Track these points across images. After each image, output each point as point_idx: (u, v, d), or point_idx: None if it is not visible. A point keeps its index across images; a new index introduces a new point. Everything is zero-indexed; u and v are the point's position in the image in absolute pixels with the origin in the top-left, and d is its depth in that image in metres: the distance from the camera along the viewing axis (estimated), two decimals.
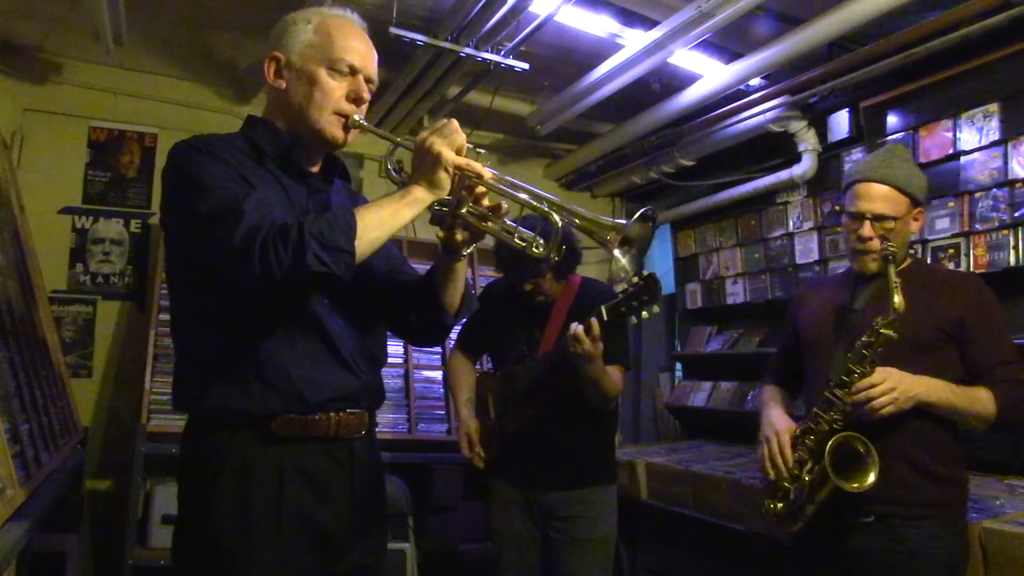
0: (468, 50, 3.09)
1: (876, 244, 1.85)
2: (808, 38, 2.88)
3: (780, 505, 1.88)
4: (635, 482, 3.18)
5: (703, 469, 2.98)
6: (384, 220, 1.31)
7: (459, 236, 1.42)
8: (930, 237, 2.93)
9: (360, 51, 1.45)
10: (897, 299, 1.71)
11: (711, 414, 3.94)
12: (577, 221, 1.35)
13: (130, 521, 3.04)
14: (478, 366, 2.81)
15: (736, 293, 4.05)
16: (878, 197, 1.85)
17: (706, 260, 4.26)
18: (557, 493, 2.38)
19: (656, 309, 2.04)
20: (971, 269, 2.77)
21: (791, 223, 3.69)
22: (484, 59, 3.15)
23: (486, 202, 1.40)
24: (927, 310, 1.81)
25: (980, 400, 1.75)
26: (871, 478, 1.71)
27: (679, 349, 4.48)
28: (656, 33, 2.98)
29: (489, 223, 1.40)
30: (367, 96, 1.46)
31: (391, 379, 3.75)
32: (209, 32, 3.50)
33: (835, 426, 1.80)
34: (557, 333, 2.39)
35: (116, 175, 3.81)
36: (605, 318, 2.10)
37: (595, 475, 2.42)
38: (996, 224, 2.71)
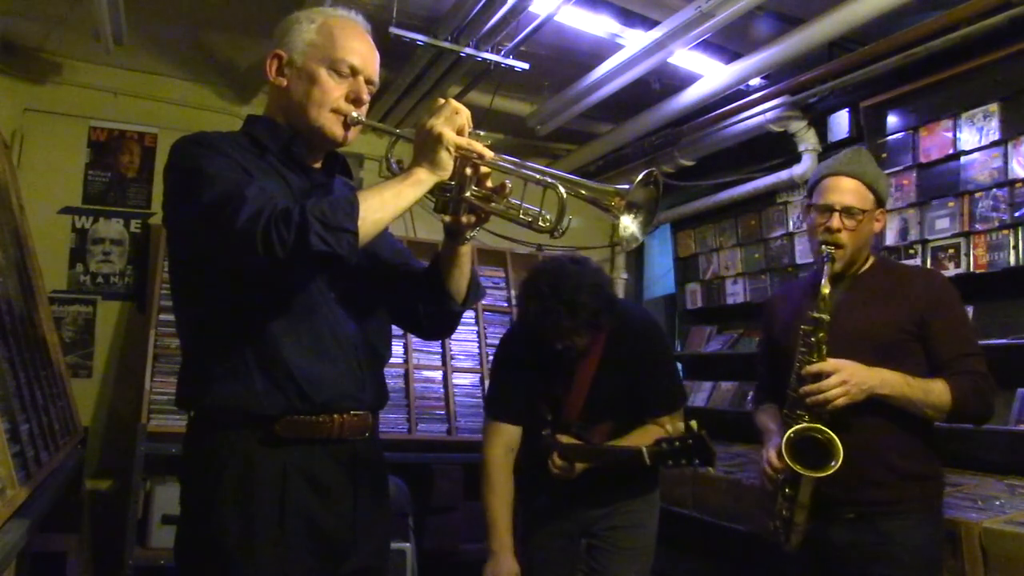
0: (468, 50, 3.09)
1: (843, 237, 1.84)
2: (808, 38, 2.88)
3: (778, 524, 1.87)
4: None
5: (703, 469, 2.97)
6: (387, 201, 1.30)
7: (464, 219, 1.42)
8: (930, 237, 2.93)
9: (362, 52, 1.45)
10: (826, 290, 1.78)
11: (711, 414, 3.93)
12: (583, 192, 1.34)
13: (130, 521, 3.04)
14: None
15: (736, 293, 4.05)
16: (847, 190, 1.86)
17: (706, 260, 4.26)
18: (599, 510, 2.25)
19: (711, 471, 1.93)
20: (971, 269, 2.78)
21: (791, 223, 3.69)
22: (484, 59, 3.15)
23: (489, 183, 1.40)
24: (887, 310, 1.83)
25: (934, 391, 1.75)
26: (836, 462, 1.71)
27: (679, 349, 4.47)
28: (656, 33, 2.98)
29: (493, 203, 1.40)
30: (366, 97, 1.47)
31: (391, 379, 3.74)
32: (209, 32, 3.50)
33: (802, 423, 1.79)
34: (584, 395, 2.17)
35: (116, 175, 3.81)
36: (648, 462, 1.94)
37: (637, 488, 2.27)
38: (996, 224, 2.71)
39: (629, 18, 3.10)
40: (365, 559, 1.45)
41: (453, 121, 1.32)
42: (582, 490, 2.19)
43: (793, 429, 1.78)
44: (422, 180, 1.32)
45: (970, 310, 2.75)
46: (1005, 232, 2.68)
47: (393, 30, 2.94)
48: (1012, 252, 2.65)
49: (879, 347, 1.78)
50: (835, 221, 1.84)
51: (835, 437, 1.74)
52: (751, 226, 3.93)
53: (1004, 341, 2.59)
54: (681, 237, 4.46)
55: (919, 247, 2.96)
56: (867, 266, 1.93)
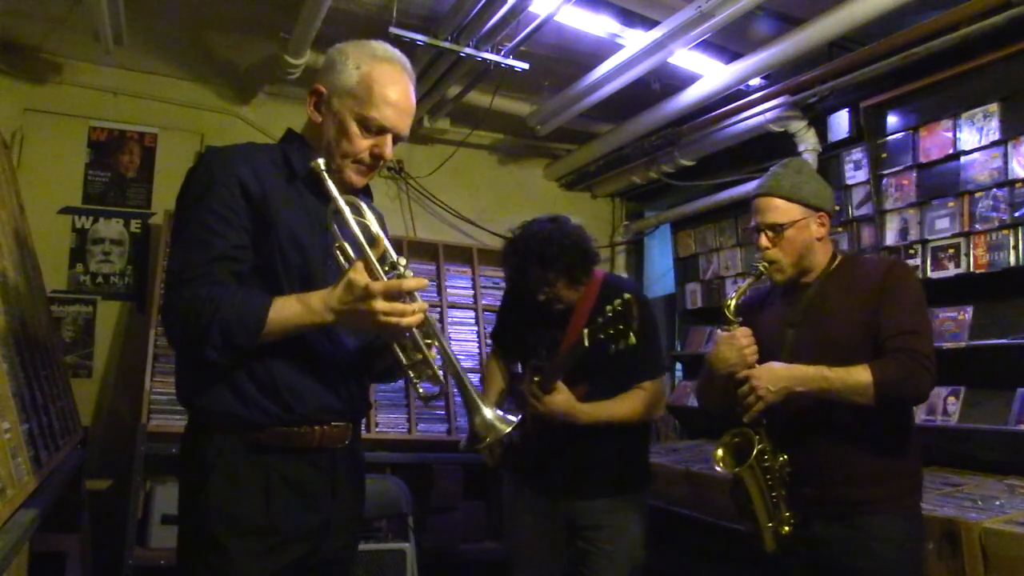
0: (468, 50, 3.09)
1: (775, 254, 1.92)
2: (808, 38, 2.88)
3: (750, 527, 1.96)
4: None
5: (703, 469, 2.97)
6: (288, 330, 1.38)
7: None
8: (930, 237, 2.93)
9: (396, 111, 1.50)
10: (730, 304, 1.92)
11: (710, 414, 3.92)
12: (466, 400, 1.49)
13: (130, 521, 3.04)
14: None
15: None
16: (766, 209, 1.94)
17: (706, 260, 4.26)
18: (583, 502, 2.30)
19: (632, 340, 1.96)
20: (971, 269, 2.77)
21: None
22: (484, 59, 3.15)
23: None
24: (849, 309, 1.85)
25: (853, 376, 1.73)
26: (752, 451, 1.84)
27: (679, 349, 4.47)
28: (656, 33, 2.98)
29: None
30: (389, 155, 1.52)
31: None
32: (209, 32, 3.50)
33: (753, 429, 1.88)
34: (576, 336, 2.19)
35: (116, 175, 3.81)
36: (587, 343, 2.03)
37: (622, 484, 2.32)
38: (996, 224, 2.71)
39: (629, 18, 3.10)
40: (334, 552, 1.53)
41: (399, 324, 1.37)
42: (569, 480, 2.30)
43: (719, 443, 1.92)
44: (326, 322, 1.39)
45: (969, 310, 2.75)
46: (1005, 232, 2.68)
47: (393, 30, 2.94)
48: (1012, 252, 2.65)
49: (843, 348, 1.80)
50: (762, 240, 1.94)
51: (749, 431, 1.85)
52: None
53: (1004, 341, 2.59)
54: (681, 237, 4.46)
55: (919, 247, 2.96)
56: (834, 266, 1.96)
